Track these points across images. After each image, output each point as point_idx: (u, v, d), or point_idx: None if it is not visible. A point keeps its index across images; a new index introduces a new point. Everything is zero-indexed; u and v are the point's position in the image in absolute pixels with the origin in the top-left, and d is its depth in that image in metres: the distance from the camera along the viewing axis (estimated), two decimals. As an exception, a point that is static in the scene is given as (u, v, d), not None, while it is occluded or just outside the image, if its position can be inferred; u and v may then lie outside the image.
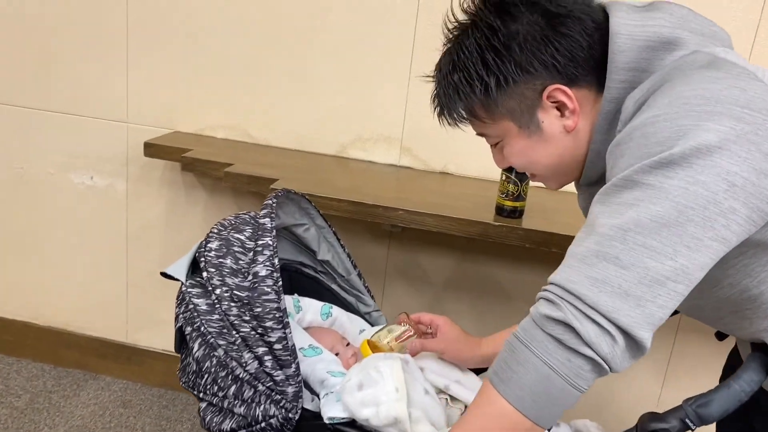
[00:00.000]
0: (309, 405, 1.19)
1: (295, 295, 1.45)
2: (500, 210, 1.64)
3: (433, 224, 1.61)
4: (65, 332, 2.35)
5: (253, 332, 1.15)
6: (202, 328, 1.17)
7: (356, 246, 2.01)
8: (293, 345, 1.16)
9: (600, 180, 0.97)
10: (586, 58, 0.91)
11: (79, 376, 2.36)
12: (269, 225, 1.19)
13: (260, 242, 1.17)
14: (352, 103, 1.92)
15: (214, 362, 1.18)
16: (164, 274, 1.25)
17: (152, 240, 2.16)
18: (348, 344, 1.37)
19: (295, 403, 1.17)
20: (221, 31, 1.93)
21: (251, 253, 1.18)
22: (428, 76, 1.04)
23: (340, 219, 1.69)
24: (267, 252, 1.16)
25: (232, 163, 1.79)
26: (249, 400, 1.19)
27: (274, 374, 1.15)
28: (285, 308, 1.14)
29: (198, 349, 1.19)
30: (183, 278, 1.23)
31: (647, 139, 0.79)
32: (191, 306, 1.19)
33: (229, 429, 1.20)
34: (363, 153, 1.96)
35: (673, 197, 0.76)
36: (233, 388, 1.19)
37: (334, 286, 1.50)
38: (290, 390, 1.16)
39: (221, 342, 1.17)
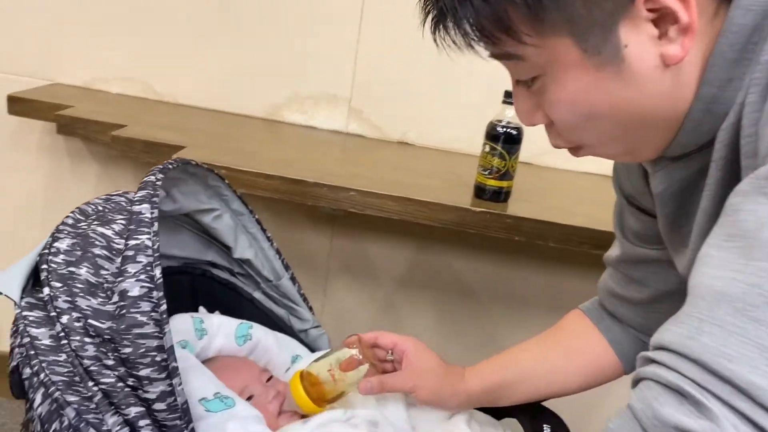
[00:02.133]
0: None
1: (201, 309, 1.03)
2: (480, 191, 1.25)
3: (396, 209, 1.21)
4: None
5: (120, 384, 0.73)
6: (42, 375, 0.75)
7: (288, 236, 1.60)
8: (185, 402, 0.74)
9: (701, 151, 0.59)
10: None
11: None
12: (148, 215, 0.77)
13: (132, 242, 0.75)
14: (286, 52, 1.49)
15: (65, 425, 0.75)
16: (-12, 288, 0.81)
17: (25, 227, 1.68)
18: (269, 378, 0.96)
19: (190, 488, 0.76)
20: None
21: (119, 259, 0.76)
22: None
23: (269, 201, 1.28)
24: (142, 258, 0.74)
25: (124, 124, 1.34)
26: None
27: (152, 446, 0.74)
28: (171, 346, 0.73)
29: (41, 403, 0.76)
30: (15, 296, 0.79)
31: None
32: (27, 339, 0.76)
33: None
34: (301, 116, 1.55)
35: None
36: (95, 464, 0.77)
37: (257, 295, 1.09)
38: (181, 470, 0.75)
39: (71, 398, 0.74)
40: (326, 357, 0.92)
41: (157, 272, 0.73)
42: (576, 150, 0.65)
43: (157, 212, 0.77)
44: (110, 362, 0.73)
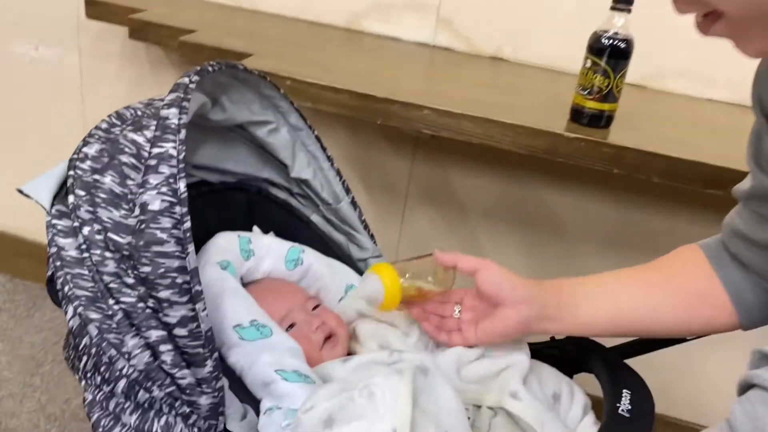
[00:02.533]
0: (238, 426, 0.71)
1: (255, 229, 0.96)
2: (578, 114, 1.08)
3: (475, 132, 1.07)
4: (19, 238, 1.93)
5: (141, 305, 0.67)
6: (66, 288, 0.70)
7: (367, 158, 1.50)
8: (209, 329, 0.67)
9: None
10: None
11: (36, 291, 1.96)
12: (175, 121, 0.68)
13: (156, 150, 0.67)
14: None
15: (90, 342, 0.71)
16: (22, 192, 0.77)
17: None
18: (316, 307, 0.88)
19: (212, 422, 0.70)
20: None
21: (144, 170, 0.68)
22: None
23: (347, 120, 1.17)
24: (165, 168, 0.66)
25: (195, 29, 1.26)
26: (145, 406, 0.72)
27: (177, 375, 0.68)
28: (195, 268, 0.65)
29: (72, 317, 0.72)
30: (46, 202, 0.74)
31: None
32: (54, 249, 0.71)
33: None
34: (383, 26, 1.41)
35: None
36: (122, 383, 0.72)
37: (314, 218, 1.00)
38: (204, 401, 0.69)
39: (93, 315, 0.69)
40: (409, 260, 0.84)
41: (181, 185, 0.65)
42: (710, 21, 0.50)
43: (186, 118, 0.69)
44: (130, 280, 0.67)
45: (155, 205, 0.64)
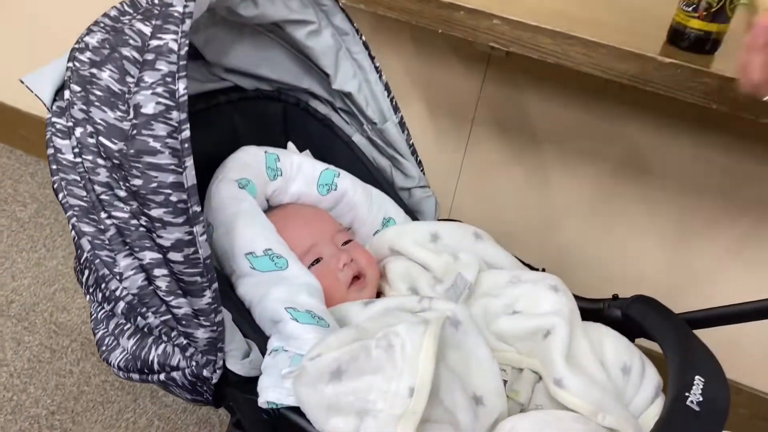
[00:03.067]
0: (238, 364, 0.64)
1: (290, 146, 0.86)
2: (678, 35, 0.91)
3: (552, 49, 0.92)
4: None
5: (134, 222, 0.59)
6: (61, 195, 0.62)
7: (432, 73, 1.35)
8: (208, 256, 0.59)
9: None
10: None
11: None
12: (179, 9, 0.57)
13: (154, 43, 0.56)
14: None
15: (87, 257, 0.64)
16: (23, 83, 0.69)
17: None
18: (347, 242, 0.78)
19: (211, 357, 0.62)
20: None
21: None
22: None
23: (403, 27, 1.03)
24: (163, 65, 0.56)
25: None
26: (145, 330, 0.66)
27: (172, 303, 0.60)
28: (193, 186, 0.56)
29: (71, 225, 0.65)
30: (46, 98, 0.66)
31: None
32: (51, 150, 0.64)
33: (117, 365, 0.68)
34: None
35: None
36: (121, 304, 0.66)
37: (356, 138, 0.89)
38: (201, 335, 0.61)
39: (86, 228, 0.62)
40: None
41: (181, 86, 0.55)
42: None
43: (194, 7, 0.58)
44: (122, 193, 0.59)
45: (149, 108, 0.55)
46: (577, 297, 0.82)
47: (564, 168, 1.35)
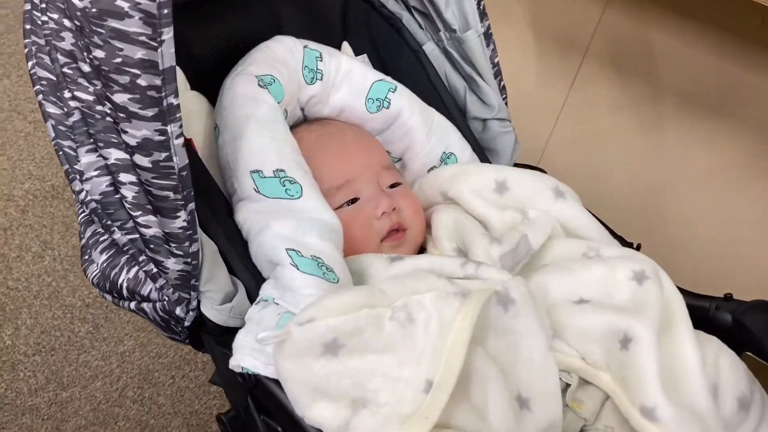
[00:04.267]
0: (214, 310, 0.50)
1: (344, 46, 0.69)
2: None
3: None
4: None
5: (99, 108, 0.46)
6: (30, 64, 0.50)
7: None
8: (185, 167, 0.45)
9: None
10: None
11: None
12: None
13: None
14: None
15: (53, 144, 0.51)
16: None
17: None
18: (395, 185, 0.62)
19: (184, 295, 0.49)
20: None
21: None
22: None
23: None
24: None
25: None
26: (114, 247, 0.53)
27: (140, 221, 0.47)
28: (171, 68, 0.41)
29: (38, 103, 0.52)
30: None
31: None
32: (29, 5, 0.51)
33: (92, 281, 0.57)
34: None
35: None
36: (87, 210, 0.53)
37: (428, 47, 0.71)
38: (172, 265, 0.48)
39: (51, 109, 0.49)
40: None
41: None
42: None
43: None
44: (86, 68, 0.45)
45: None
46: (681, 290, 0.63)
47: (688, 127, 1.12)
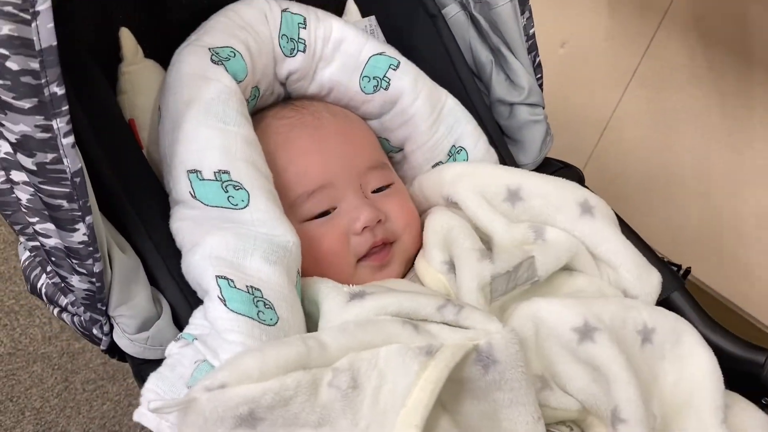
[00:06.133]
0: (125, 339, 0.42)
1: (349, 6, 0.57)
2: None
3: None
4: None
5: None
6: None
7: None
8: (80, 173, 0.36)
9: None
10: None
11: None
12: None
13: None
14: None
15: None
16: None
17: None
18: (383, 189, 0.52)
19: (95, 316, 0.41)
20: None
21: None
22: None
23: None
24: None
25: None
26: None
27: (37, 228, 0.39)
28: (50, 47, 0.33)
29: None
30: None
31: None
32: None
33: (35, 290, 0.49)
34: None
35: None
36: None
37: (450, 10, 0.59)
38: (77, 283, 0.40)
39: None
40: None
41: None
42: None
43: None
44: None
45: None
46: (730, 336, 0.51)
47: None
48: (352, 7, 0.59)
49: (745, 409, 0.46)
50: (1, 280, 1.06)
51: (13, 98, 0.33)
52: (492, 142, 0.56)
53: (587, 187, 0.56)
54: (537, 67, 0.58)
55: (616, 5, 1.05)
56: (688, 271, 0.57)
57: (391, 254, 0.50)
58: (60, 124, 0.34)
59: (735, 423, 0.45)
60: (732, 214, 1.01)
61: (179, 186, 0.43)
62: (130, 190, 0.43)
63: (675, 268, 0.57)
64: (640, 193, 1.13)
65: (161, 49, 0.52)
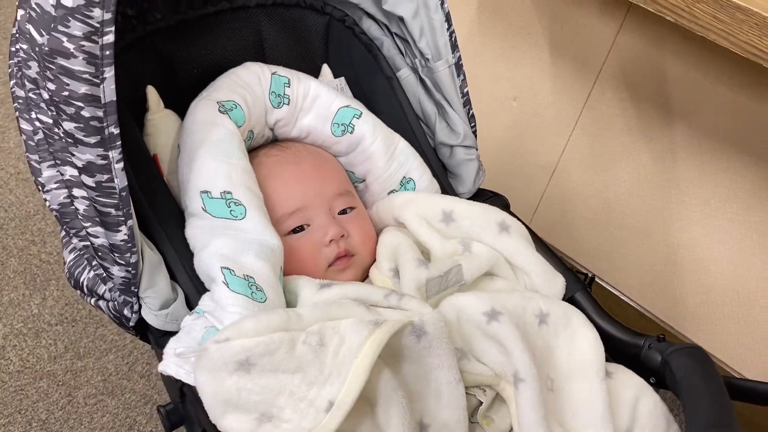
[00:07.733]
0: (152, 315, 0.56)
1: (324, 70, 0.73)
2: None
3: (712, 24, 0.70)
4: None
5: (57, 130, 0.51)
6: (12, 82, 0.56)
7: (558, 9, 1.14)
8: (125, 188, 0.50)
9: None
10: None
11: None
12: None
13: None
14: None
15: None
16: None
17: None
18: (347, 210, 0.67)
19: (128, 298, 0.55)
20: None
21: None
22: None
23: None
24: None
25: None
26: (78, 249, 0.60)
27: (90, 231, 0.53)
28: (112, 102, 0.47)
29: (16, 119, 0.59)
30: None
31: None
32: (15, 29, 0.57)
33: (66, 276, 0.64)
34: None
35: None
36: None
37: (402, 73, 0.75)
38: (117, 272, 0.54)
39: (24, 126, 0.56)
40: None
41: (108, -24, 0.45)
42: None
43: None
44: (46, 95, 0.51)
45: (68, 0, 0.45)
46: (619, 325, 0.65)
47: (697, 152, 1.10)
48: (326, 70, 0.75)
49: (626, 373, 0.60)
50: (11, 306, 1.16)
51: (84, 136, 0.47)
52: (435, 174, 0.72)
53: (511, 212, 0.71)
54: (471, 118, 0.74)
55: (559, 65, 1.20)
56: (593, 278, 0.72)
57: (352, 262, 0.64)
58: (113, 153, 0.48)
59: (616, 383, 0.59)
60: (663, 243, 1.16)
61: (193, 203, 0.58)
62: (155, 206, 0.58)
63: (582, 276, 0.71)
64: (587, 225, 1.27)
65: (177, 102, 0.67)
